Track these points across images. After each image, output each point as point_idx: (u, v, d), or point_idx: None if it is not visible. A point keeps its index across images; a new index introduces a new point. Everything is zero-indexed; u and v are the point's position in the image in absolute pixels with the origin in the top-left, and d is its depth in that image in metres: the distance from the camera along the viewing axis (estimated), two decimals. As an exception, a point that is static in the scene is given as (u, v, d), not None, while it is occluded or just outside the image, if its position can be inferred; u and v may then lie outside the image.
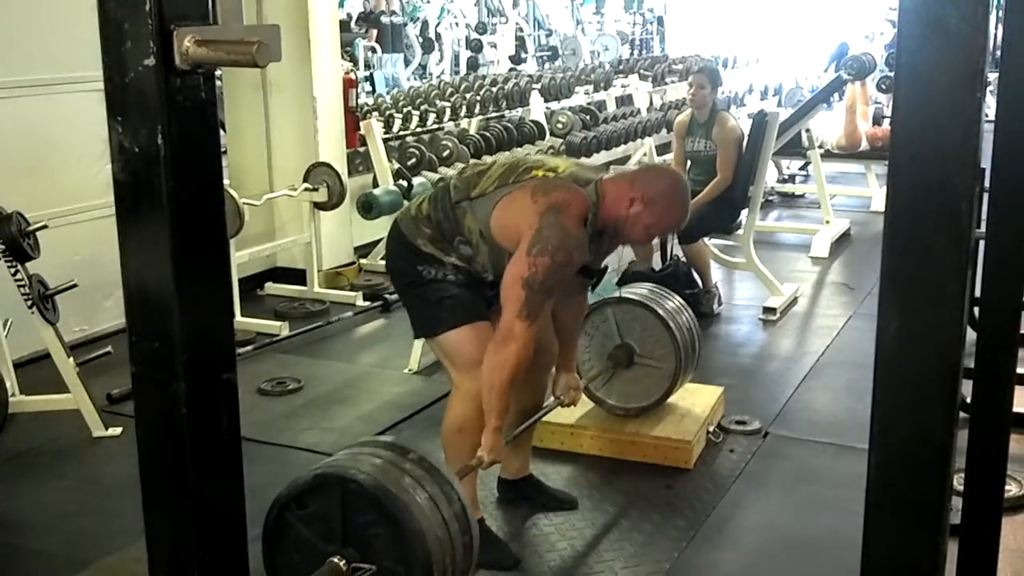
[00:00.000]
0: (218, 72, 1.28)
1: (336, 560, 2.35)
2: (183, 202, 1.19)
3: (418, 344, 4.85)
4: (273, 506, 2.43)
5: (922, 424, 1.06)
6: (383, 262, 7.03)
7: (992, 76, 2.07)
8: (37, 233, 4.23)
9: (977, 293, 2.01)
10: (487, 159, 7.16)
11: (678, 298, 4.18)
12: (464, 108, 7.87)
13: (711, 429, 4.12)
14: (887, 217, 0.97)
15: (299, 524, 2.41)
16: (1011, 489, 3.43)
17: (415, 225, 3.18)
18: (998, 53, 2.01)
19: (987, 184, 2.07)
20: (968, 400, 2.12)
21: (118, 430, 4.20)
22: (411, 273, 3.19)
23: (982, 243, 2.00)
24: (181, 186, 1.18)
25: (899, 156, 0.92)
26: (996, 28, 5.29)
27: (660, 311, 3.97)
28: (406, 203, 6.62)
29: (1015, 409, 2.14)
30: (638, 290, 4.17)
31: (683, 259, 5.84)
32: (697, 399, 4.22)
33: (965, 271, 0.92)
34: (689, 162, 6.07)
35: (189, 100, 1.16)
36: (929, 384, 1.03)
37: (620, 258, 5.44)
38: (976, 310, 2.18)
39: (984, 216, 2.06)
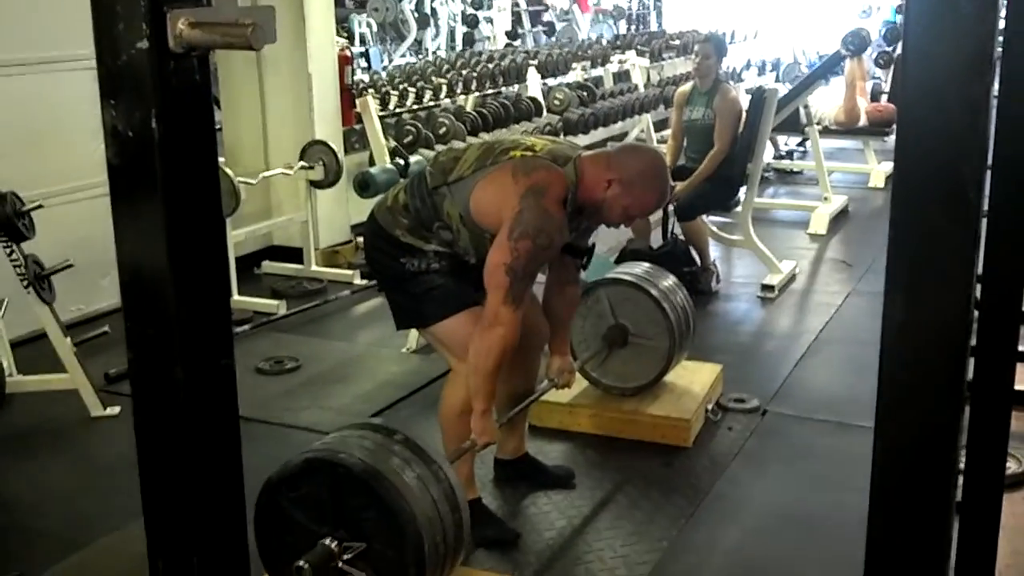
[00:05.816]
0: (213, 52, 1.25)
1: (327, 542, 2.37)
2: (178, 186, 1.17)
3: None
4: (264, 490, 2.45)
5: (928, 407, 1.05)
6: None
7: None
8: (32, 212, 4.21)
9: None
10: (483, 136, 7.12)
11: (672, 277, 4.16)
12: (460, 85, 7.82)
13: (710, 407, 4.12)
14: (893, 202, 0.96)
15: (290, 507, 2.43)
16: (1011, 467, 3.43)
17: (392, 216, 3.14)
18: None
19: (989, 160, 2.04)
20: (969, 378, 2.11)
21: (116, 409, 4.19)
22: (393, 267, 3.14)
23: (984, 220, 1.98)
24: (176, 170, 1.16)
25: (906, 142, 0.91)
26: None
27: (653, 291, 3.96)
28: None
29: (1016, 387, 2.13)
30: (632, 270, 4.15)
31: (681, 237, 5.83)
32: (695, 377, 4.22)
33: (972, 258, 0.91)
34: (685, 135, 6.04)
35: (184, 83, 1.14)
36: (935, 368, 1.03)
37: (617, 237, 5.43)
38: (978, 287, 2.17)
39: (987, 192, 2.04)
